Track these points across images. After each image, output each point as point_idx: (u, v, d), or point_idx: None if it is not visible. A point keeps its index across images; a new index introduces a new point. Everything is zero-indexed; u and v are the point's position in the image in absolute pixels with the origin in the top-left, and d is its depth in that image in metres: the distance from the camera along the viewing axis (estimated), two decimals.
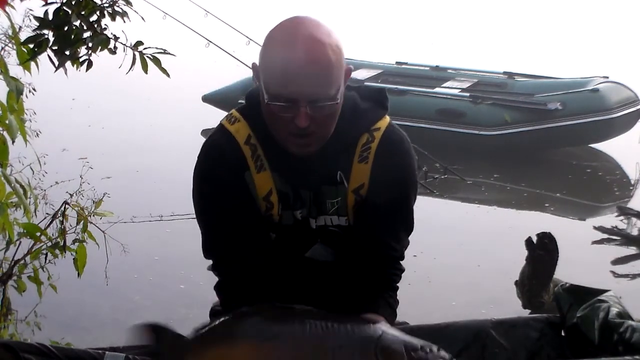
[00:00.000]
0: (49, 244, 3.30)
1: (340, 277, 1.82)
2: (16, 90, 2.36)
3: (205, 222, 1.80)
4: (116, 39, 2.13)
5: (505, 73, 8.82)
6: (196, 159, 1.79)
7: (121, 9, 2.12)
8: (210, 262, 1.84)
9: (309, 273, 1.84)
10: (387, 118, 1.80)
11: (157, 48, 2.15)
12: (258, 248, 1.76)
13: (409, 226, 1.85)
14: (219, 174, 1.74)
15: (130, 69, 2.13)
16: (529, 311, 4.39)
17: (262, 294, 1.73)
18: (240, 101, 2.27)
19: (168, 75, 2.16)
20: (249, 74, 7.19)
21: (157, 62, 2.15)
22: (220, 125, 1.79)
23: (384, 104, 1.80)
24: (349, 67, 1.67)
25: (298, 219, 1.77)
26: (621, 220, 6.07)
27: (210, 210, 1.77)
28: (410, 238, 1.89)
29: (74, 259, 3.24)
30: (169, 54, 2.16)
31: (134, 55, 2.13)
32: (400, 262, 1.88)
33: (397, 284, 1.88)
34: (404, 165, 1.78)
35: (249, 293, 1.73)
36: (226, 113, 1.86)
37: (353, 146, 1.74)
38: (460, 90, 8.33)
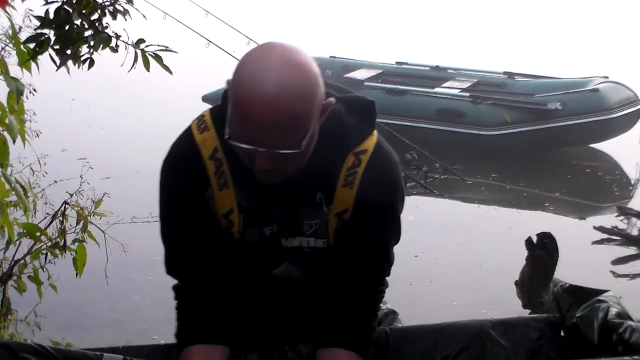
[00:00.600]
0: (49, 243, 3.29)
1: (310, 295, 1.75)
2: (16, 90, 2.36)
3: (166, 236, 1.74)
4: (117, 37, 2.13)
5: (505, 73, 8.83)
6: (161, 163, 1.71)
7: (122, 7, 2.12)
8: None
9: (277, 290, 1.78)
10: (375, 136, 1.69)
11: (158, 45, 2.15)
12: (217, 267, 1.69)
13: (391, 247, 1.75)
14: (179, 190, 1.67)
15: (132, 66, 2.13)
16: (528, 311, 4.40)
17: (219, 314, 1.69)
18: None
19: (170, 72, 2.16)
20: None
21: (159, 59, 2.15)
22: (189, 132, 1.68)
23: (371, 119, 1.70)
24: (329, 101, 1.54)
25: (267, 235, 1.69)
26: (621, 221, 6.08)
27: (170, 224, 1.72)
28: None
29: (73, 258, 3.23)
30: (171, 51, 2.15)
31: (136, 53, 2.13)
32: (383, 281, 1.78)
33: (378, 308, 1.79)
34: (390, 190, 1.68)
35: (206, 313, 1.69)
36: None
37: (337, 169, 1.62)
38: (460, 90, 8.33)
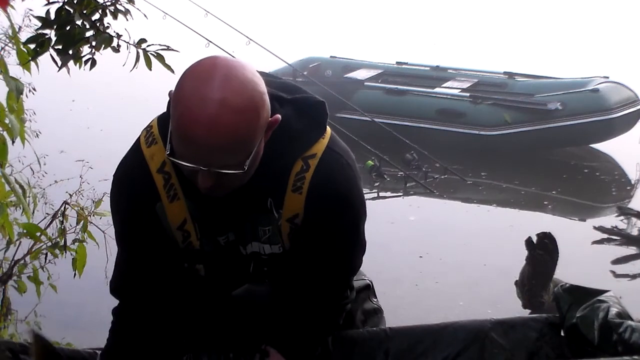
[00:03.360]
0: (49, 244, 3.29)
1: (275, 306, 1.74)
2: (16, 90, 2.35)
3: (118, 253, 1.74)
4: (119, 37, 2.13)
5: (505, 73, 8.83)
6: (111, 182, 1.69)
7: (123, 7, 2.13)
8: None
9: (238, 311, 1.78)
10: (325, 140, 1.61)
11: (160, 45, 2.15)
12: (162, 286, 1.68)
13: (353, 256, 1.72)
14: (128, 206, 1.65)
15: (134, 66, 2.13)
16: (528, 311, 4.40)
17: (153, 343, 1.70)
18: None
19: (172, 70, 2.15)
20: None
21: (160, 58, 2.14)
22: (137, 146, 1.64)
23: (321, 121, 1.62)
24: (275, 117, 1.49)
25: (221, 244, 1.66)
26: (621, 221, 6.08)
27: (121, 241, 1.71)
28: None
29: (73, 259, 3.23)
30: (173, 50, 2.15)
31: (138, 52, 2.13)
32: (340, 286, 1.74)
33: (331, 313, 1.76)
34: (342, 194, 1.60)
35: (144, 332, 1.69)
36: None
37: (286, 174, 1.58)
38: (460, 90, 8.34)
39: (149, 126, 1.65)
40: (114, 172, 1.70)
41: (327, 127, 1.64)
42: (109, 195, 1.71)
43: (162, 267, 1.68)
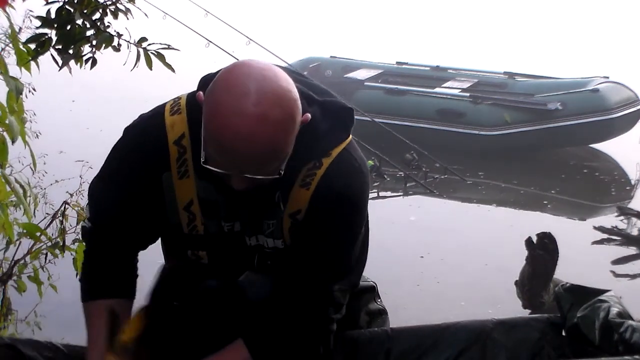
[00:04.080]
0: (49, 243, 3.29)
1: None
2: (16, 90, 2.35)
3: (96, 190, 1.71)
4: (119, 36, 2.13)
5: (505, 73, 8.83)
6: (123, 131, 1.68)
7: (124, 6, 2.12)
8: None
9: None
10: (345, 143, 1.62)
11: (161, 44, 2.15)
12: (133, 239, 1.71)
13: (343, 259, 1.66)
14: (133, 166, 1.64)
15: (135, 65, 2.13)
16: (529, 311, 4.40)
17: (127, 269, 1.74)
18: None
19: (173, 70, 2.15)
20: None
21: (161, 58, 2.14)
22: (159, 111, 1.64)
23: (347, 126, 1.63)
24: (305, 117, 1.49)
25: (224, 231, 1.66)
26: (621, 221, 6.08)
27: (108, 185, 1.68)
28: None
29: (73, 258, 3.23)
30: (173, 49, 2.15)
31: (138, 52, 2.13)
32: (328, 287, 1.65)
33: (317, 315, 1.67)
34: (349, 197, 1.60)
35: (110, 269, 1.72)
36: None
37: (298, 169, 1.58)
38: (460, 90, 8.34)
39: (177, 97, 1.65)
40: (128, 125, 1.67)
41: (350, 134, 1.64)
42: (116, 143, 1.68)
43: (139, 226, 1.68)
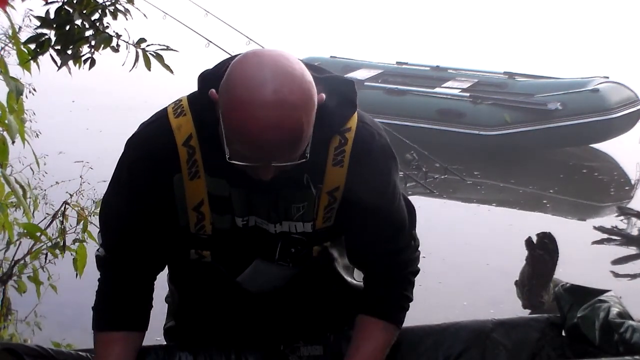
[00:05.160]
0: (49, 244, 3.29)
1: (304, 293, 1.78)
2: (16, 90, 2.35)
3: (107, 209, 1.70)
4: (118, 36, 2.13)
5: (505, 73, 8.83)
6: (127, 140, 1.65)
7: (123, 7, 2.12)
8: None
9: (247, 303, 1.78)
10: (356, 115, 1.66)
11: (159, 45, 2.14)
12: (152, 256, 1.69)
13: (403, 210, 1.75)
14: (144, 172, 1.62)
15: (133, 66, 2.12)
16: (529, 311, 4.40)
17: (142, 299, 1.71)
18: None
19: (171, 71, 2.15)
20: None
21: (160, 59, 2.14)
22: (164, 115, 1.62)
23: (352, 100, 1.65)
24: (320, 97, 1.50)
25: (239, 226, 1.65)
26: (621, 221, 6.08)
27: (120, 199, 1.66)
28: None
29: (74, 259, 3.23)
30: (172, 50, 2.14)
31: (137, 52, 2.13)
32: (408, 251, 1.79)
33: (410, 275, 1.82)
34: (381, 163, 1.67)
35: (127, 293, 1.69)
36: None
37: (324, 149, 1.60)
38: (460, 90, 8.34)
39: (178, 100, 1.64)
40: (129, 137, 1.66)
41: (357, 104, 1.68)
42: (120, 158, 1.66)
43: (156, 239, 1.66)
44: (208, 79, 1.55)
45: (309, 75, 1.46)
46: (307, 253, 1.72)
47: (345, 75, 7.85)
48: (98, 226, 1.73)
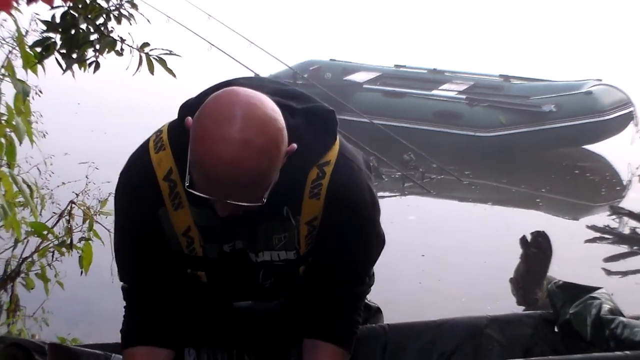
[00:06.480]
0: (56, 242, 3.30)
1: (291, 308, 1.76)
2: (23, 92, 2.36)
3: (116, 246, 1.74)
4: (122, 41, 2.13)
5: (501, 76, 8.82)
6: (117, 179, 1.68)
7: (127, 11, 2.12)
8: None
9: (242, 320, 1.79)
10: (337, 147, 1.63)
11: (162, 49, 2.15)
12: (166, 279, 1.69)
13: (372, 248, 1.75)
14: (131, 207, 1.66)
15: (137, 69, 2.13)
16: (523, 308, 4.40)
17: (166, 317, 1.70)
18: None
19: (174, 75, 2.15)
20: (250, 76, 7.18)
21: (162, 63, 2.14)
22: (144, 150, 1.63)
23: (332, 130, 1.63)
24: (291, 147, 1.48)
25: (226, 252, 1.65)
26: (613, 220, 6.08)
27: (122, 237, 1.71)
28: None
29: (80, 256, 3.24)
30: (175, 54, 2.15)
31: (140, 56, 2.13)
32: (364, 279, 1.77)
33: (361, 304, 1.79)
34: (357, 197, 1.65)
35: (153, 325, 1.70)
36: None
37: (301, 182, 1.58)
38: (457, 92, 8.34)
39: (159, 131, 1.64)
40: (121, 169, 1.69)
41: (337, 134, 1.65)
42: (114, 192, 1.71)
43: (162, 267, 1.67)
44: (188, 107, 1.55)
45: (280, 124, 1.44)
46: (293, 273, 1.71)
47: (344, 78, 7.82)
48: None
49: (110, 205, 3.35)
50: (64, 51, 2.11)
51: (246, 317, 1.80)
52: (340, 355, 1.72)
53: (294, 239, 1.65)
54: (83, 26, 2.09)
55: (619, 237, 5.77)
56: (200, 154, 1.41)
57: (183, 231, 1.63)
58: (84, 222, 3.31)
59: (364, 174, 1.68)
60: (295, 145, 1.49)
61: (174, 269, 1.69)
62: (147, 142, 1.64)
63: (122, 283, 1.75)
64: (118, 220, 1.72)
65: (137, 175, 1.64)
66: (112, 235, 1.76)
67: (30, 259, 3.35)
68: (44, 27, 2.12)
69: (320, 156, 1.60)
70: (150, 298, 1.70)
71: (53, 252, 3.33)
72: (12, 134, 2.56)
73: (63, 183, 3.68)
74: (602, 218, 6.14)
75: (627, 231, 5.88)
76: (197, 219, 1.62)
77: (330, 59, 9.26)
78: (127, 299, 1.75)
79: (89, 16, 2.08)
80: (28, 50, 2.35)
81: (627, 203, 6.58)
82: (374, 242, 1.74)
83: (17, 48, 2.51)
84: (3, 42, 2.56)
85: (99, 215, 3.31)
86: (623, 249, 5.67)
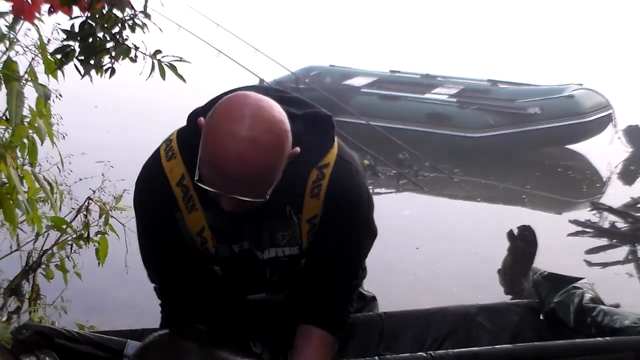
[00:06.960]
0: (74, 235, 3.30)
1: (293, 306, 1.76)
2: (44, 95, 2.36)
3: (142, 251, 1.75)
4: (136, 48, 2.14)
5: (489, 81, 8.81)
6: (135, 182, 1.70)
7: (141, 21, 2.13)
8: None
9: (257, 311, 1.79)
10: (335, 149, 1.64)
11: (174, 56, 2.15)
12: (192, 280, 1.70)
13: (366, 244, 1.76)
14: (149, 214, 1.67)
15: (149, 75, 2.13)
16: (510, 297, 4.40)
17: (198, 309, 1.71)
18: None
19: (184, 80, 2.15)
20: (255, 81, 7.19)
21: (173, 69, 2.15)
22: (157, 158, 1.64)
23: (330, 134, 1.65)
24: (294, 150, 1.51)
25: (235, 252, 1.68)
26: (594, 215, 6.08)
27: (145, 242, 1.73)
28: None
29: (96, 249, 3.24)
30: (185, 61, 2.15)
31: (153, 63, 2.13)
32: (357, 272, 1.78)
33: (353, 295, 1.78)
34: (354, 198, 1.66)
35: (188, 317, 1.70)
36: None
37: (303, 183, 1.61)
38: (448, 96, 8.33)
39: (169, 140, 1.65)
40: (137, 177, 1.69)
41: (335, 137, 1.66)
42: (132, 197, 1.71)
43: (184, 264, 1.69)
44: (197, 115, 1.56)
45: (286, 126, 1.46)
46: (296, 267, 1.73)
47: (343, 82, 7.84)
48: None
49: (125, 201, 3.37)
50: (82, 58, 2.11)
51: (259, 308, 1.80)
52: (328, 341, 1.72)
53: (296, 235, 1.66)
54: (100, 35, 2.09)
55: (599, 231, 5.77)
56: (211, 149, 1.43)
57: (197, 231, 1.65)
58: (100, 217, 3.31)
59: (361, 175, 1.69)
60: (298, 149, 1.51)
61: (195, 265, 1.69)
62: (157, 151, 1.66)
63: (153, 285, 1.77)
64: (139, 228, 1.72)
65: (152, 181, 1.65)
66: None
67: (50, 251, 3.35)
68: (64, 36, 2.12)
69: (320, 158, 1.61)
70: (178, 294, 1.71)
71: (71, 244, 3.33)
72: (34, 135, 2.56)
73: (80, 179, 3.69)
74: (584, 213, 6.14)
75: (606, 225, 5.88)
76: (210, 220, 1.63)
77: (330, 65, 9.25)
78: (160, 297, 1.78)
79: (105, 25, 2.08)
80: (49, 57, 2.35)
81: (606, 199, 6.58)
82: (368, 237, 1.75)
83: (39, 55, 2.51)
84: (26, 49, 2.56)
85: (114, 210, 3.31)
86: (603, 241, 5.66)
